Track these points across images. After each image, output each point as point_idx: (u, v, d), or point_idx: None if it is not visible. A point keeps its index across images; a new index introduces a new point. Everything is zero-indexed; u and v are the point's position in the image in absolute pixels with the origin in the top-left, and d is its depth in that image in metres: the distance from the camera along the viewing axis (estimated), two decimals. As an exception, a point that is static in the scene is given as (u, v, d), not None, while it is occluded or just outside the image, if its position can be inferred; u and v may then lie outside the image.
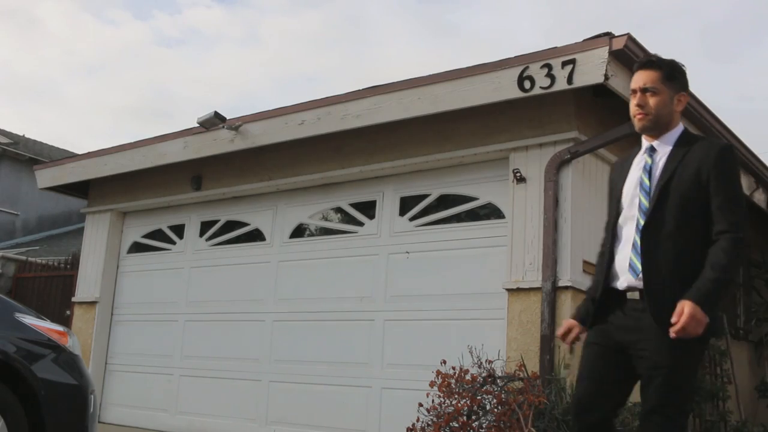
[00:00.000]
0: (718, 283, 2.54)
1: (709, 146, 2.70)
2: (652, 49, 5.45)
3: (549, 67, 5.15)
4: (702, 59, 42.40)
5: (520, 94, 5.31)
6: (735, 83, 37.86)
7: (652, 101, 2.73)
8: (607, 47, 4.89)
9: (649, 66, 2.78)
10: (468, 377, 4.82)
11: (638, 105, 2.76)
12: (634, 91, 2.78)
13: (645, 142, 2.84)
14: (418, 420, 4.88)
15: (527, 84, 5.26)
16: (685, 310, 2.47)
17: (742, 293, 7.98)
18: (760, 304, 8.05)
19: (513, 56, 5.40)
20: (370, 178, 6.66)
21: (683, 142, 2.74)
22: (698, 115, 5.90)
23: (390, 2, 48.46)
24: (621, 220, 2.78)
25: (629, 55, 5.00)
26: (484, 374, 4.85)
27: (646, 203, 2.69)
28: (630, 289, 2.70)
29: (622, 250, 2.75)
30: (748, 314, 7.95)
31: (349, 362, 6.41)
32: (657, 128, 2.77)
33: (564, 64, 5.05)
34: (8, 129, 17.67)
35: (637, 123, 2.80)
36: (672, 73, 2.78)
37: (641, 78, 2.76)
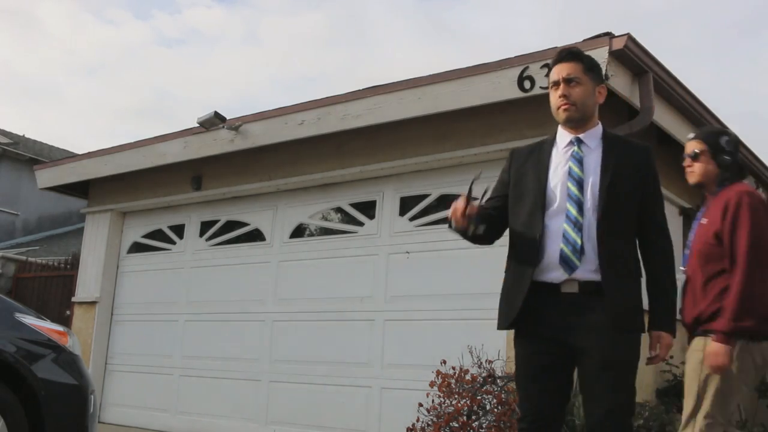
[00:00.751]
0: (675, 301, 2.71)
1: (642, 150, 2.74)
2: (652, 49, 5.45)
3: (549, 67, 5.14)
4: (702, 59, 42.40)
5: (520, 94, 5.31)
6: (735, 83, 37.87)
7: (575, 92, 2.69)
8: (607, 47, 4.89)
9: (569, 58, 2.75)
10: (468, 377, 4.82)
11: (563, 95, 2.70)
12: (556, 83, 2.73)
13: (566, 134, 2.75)
14: (418, 420, 4.88)
15: (527, 84, 5.26)
16: (663, 342, 2.62)
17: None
18: (760, 304, 8.03)
19: (513, 56, 5.40)
20: (370, 178, 6.65)
21: (610, 141, 2.72)
22: (698, 115, 5.89)
23: (390, 2, 48.46)
24: (551, 211, 2.64)
25: (629, 55, 5.00)
26: (484, 374, 4.85)
27: (576, 192, 2.61)
28: (567, 283, 2.58)
29: (553, 242, 2.61)
30: (748, 314, 7.93)
31: (349, 362, 6.41)
32: (582, 119, 2.71)
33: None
34: (8, 129, 17.69)
35: (561, 114, 2.72)
36: (591, 65, 2.77)
37: (563, 69, 2.72)
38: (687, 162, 3.24)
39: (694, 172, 3.22)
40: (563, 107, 2.71)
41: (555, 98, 2.73)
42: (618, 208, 2.59)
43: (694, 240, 3.19)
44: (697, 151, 3.22)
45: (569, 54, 2.77)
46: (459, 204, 2.61)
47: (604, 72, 4.85)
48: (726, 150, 3.20)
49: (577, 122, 2.72)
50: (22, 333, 3.47)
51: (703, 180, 3.20)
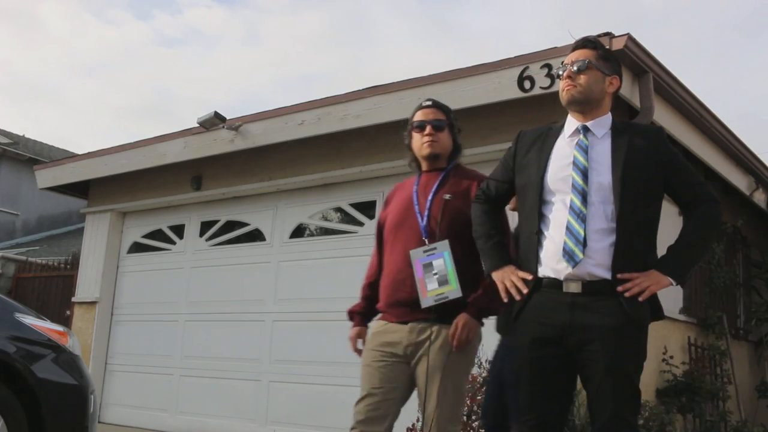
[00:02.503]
0: (693, 255, 2.61)
1: (653, 132, 2.67)
2: (652, 49, 5.46)
3: (549, 67, 5.15)
4: (702, 59, 42.40)
5: (520, 94, 5.31)
6: (735, 83, 37.88)
7: (582, 77, 2.65)
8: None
9: (583, 45, 2.71)
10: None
11: (568, 77, 2.66)
12: (566, 69, 2.70)
13: (573, 121, 2.69)
14: (418, 420, 4.88)
15: (527, 84, 5.26)
16: (652, 279, 2.47)
17: (742, 293, 7.97)
18: (760, 304, 8.04)
19: (513, 56, 5.40)
20: (370, 178, 6.65)
21: (619, 130, 2.64)
22: (698, 115, 5.90)
23: (391, 3, 48.46)
24: (554, 202, 2.59)
25: (629, 55, 5.00)
26: (483, 374, 4.85)
27: (580, 182, 2.54)
28: (570, 282, 2.50)
29: (556, 234, 2.55)
30: (748, 314, 7.94)
31: (350, 362, 6.34)
32: (586, 104, 2.64)
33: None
34: (8, 129, 17.69)
35: (564, 94, 2.67)
36: (607, 55, 2.72)
37: (574, 55, 2.70)
38: (429, 130, 3.12)
39: (438, 142, 3.11)
40: (567, 88, 2.67)
41: (561, 82, 2.70)
42: (634, 200, 2.50)
43: (432, 212, 3.02)
44: (443, 120, 3.16)
45: (585, 41, 2.73)
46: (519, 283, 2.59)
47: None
48: (458, 128, 3.21)
49: (580, 105, 2.66)
50: (22, 333, 3.46)
51: (441, 152, 3.13)
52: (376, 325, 3.12)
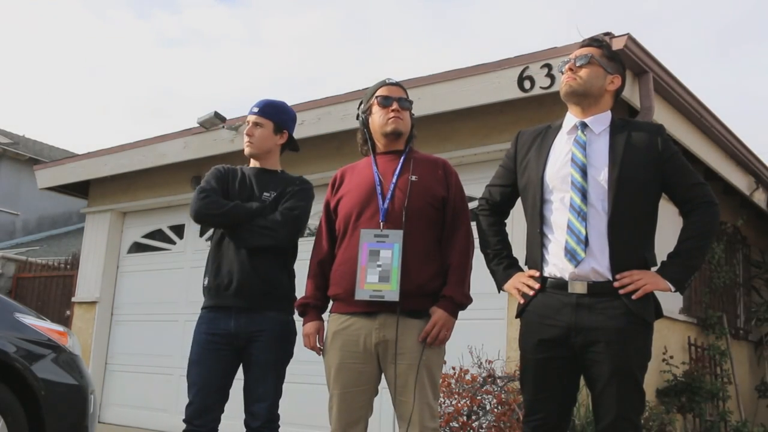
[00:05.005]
0: (700, 256, 2.59)
1: (653, 130, 2.64)
2: (652, 49, 5.46)
3: (549, 67, 5.15)
4: (702, 60, 42.42)
5: (520, 94, 5.31)
6: (735, 83, 37.89)
7: (584, 70, 2.64)
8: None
9: (590, 44, 2.72)
10: (468, 377, 4.82)
11: (569, 69, 2.67)
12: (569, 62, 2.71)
13: (572, 118, 2.69)
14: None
15: (527, 84, 5.26)
16: (647, 278, 2.47)
17: (742, 293, 7.97)
18: (760, 304, 8.04)
19: (513, 56, 5.40)
20: (370, 178, 6.64)
21: (618, 127, 2.63)
22: (698, 115, 5.90)
23: (392, 3, 48.47)
24: (554, 201, 2.60)
25: (629, 55, 5.00)
26: (484, 374, 4.85)
27: (579, 179, 2.53)
28: (575, 282, 2.50)
29: (558, 234, 2.56)
30: (748, 314, 7.95)
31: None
32: (584, 97, 2.64)
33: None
34: (8, 129, 17.69)
35: (564, 86, 2.67)
36: (612, 55, 2.72)
37: (579, 51, 2.70)
38: (395, 106, 2.91)
39: (403, 120, 2.91)
40: (567, 80, 2.67)
41: (564, 75, 2.70)
42: (630, 199, 2.50)
43: (396, 195, 2.82)
44: (408, 100, 2.98)
45: (591, 40, 2.75)
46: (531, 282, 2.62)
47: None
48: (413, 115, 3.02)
49: (578, 97, 2.65)
50: (22, 333, 3.46)
51: (405, 131, 2.93)
52: (335, 320, 2.86)
